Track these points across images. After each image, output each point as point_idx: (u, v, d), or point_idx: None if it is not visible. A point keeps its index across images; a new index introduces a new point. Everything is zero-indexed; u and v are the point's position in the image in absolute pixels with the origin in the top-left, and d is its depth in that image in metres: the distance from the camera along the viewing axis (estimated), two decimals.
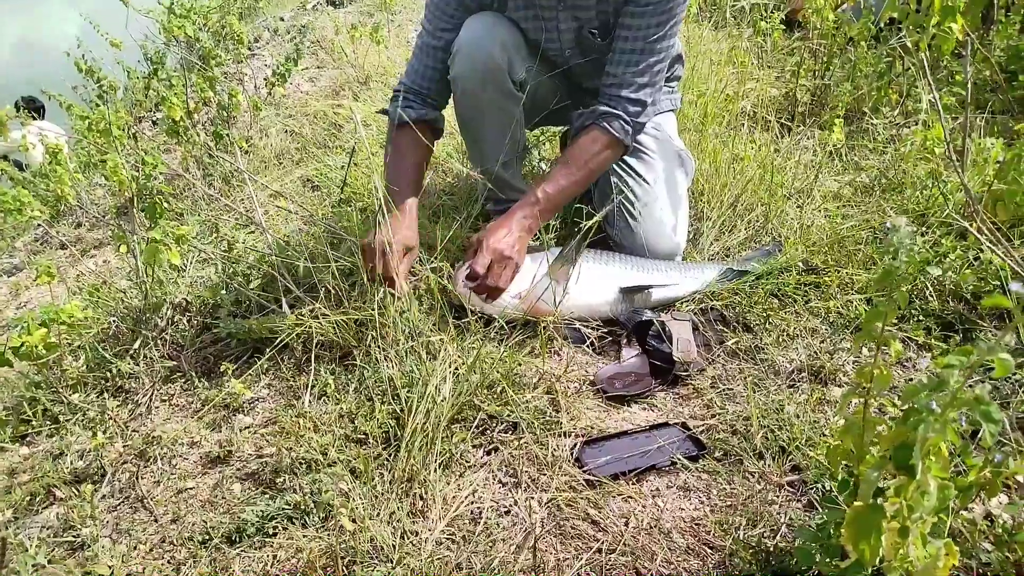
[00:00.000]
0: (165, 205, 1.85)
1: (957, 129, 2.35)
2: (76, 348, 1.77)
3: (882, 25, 2.88)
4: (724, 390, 1.46)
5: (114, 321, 1.76)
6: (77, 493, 1.32)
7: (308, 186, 2.50)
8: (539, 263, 1.64)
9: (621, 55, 1.69)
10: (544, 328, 1.53)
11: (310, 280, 1.71)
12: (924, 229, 1.82)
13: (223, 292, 1.76)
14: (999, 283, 1.54)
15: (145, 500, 1.30)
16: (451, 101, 1.85)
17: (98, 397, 1.59)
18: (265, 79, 3.25)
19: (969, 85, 1.61)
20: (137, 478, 1.34)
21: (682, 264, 1.83)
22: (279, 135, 2.92)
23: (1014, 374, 1.35)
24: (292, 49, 3.04)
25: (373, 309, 1.48)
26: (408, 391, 1.35)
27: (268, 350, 1.55)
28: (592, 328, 1.66)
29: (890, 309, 0.83)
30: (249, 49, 4.13)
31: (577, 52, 1.82)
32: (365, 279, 1.54)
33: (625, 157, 1.88)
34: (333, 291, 1.58)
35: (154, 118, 3.70)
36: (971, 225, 1.59)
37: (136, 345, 1.69)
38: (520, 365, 1.49)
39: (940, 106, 1.55)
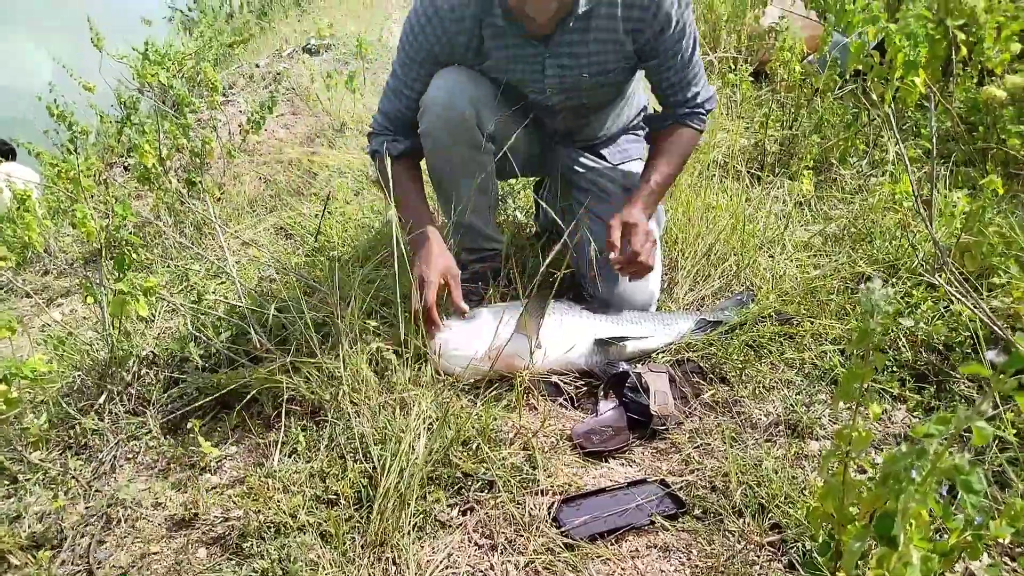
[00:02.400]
0: (134, 255, 1.82)
1: (924, 179, 2.40)
2: (38, 403, 1.72)
3: (848, 76, 2.96)
4: (702, 444, 1.44)
5: (79, 375, 1.72)
6: (33, 559, 1.26)
7: (281, 234, 2.48)
8: (499, 319, 1.61)
9: (673, 79, 1.78)
10: (520, 382, 1.51)
11: (282, 332, 1.69)
12: (895, 280, 1.84)
13: (191, 345, 1.73)
14: (971, 335, 1.55)
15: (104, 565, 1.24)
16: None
17: (60, 455, 1.54)
18: (240, 125, 3.25)
19: (934, 138, 1.65)
20: (98, 544, 1.28)
21: (656, 315, 1.82)
22: (253, 182, 2.90)
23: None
24: (267, 96, 3.04)
25: (345, 360, 1.46)
26: (381, 448, 1.32)
27: (237, 405, 1.52)
28: (568, 382, 1.64)
29: (867, 371, 0.83)
30: (224, 95, 4.13)
31: (562, 94, 1.81)
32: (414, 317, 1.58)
33: (597, 207, 1.89)
34: (304, 343, 1.55)
35: (126, 163, 3.67)
36: (940, 277, 1.61)
37: (101, 400, 1.64)
38: (496, 420, 1.46)
39: (907, 159, 1.58)
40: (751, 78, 3.30)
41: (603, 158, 2.02)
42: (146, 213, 2.80)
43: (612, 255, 1.63)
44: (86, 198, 1.88)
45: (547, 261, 1.47)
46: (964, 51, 2.71)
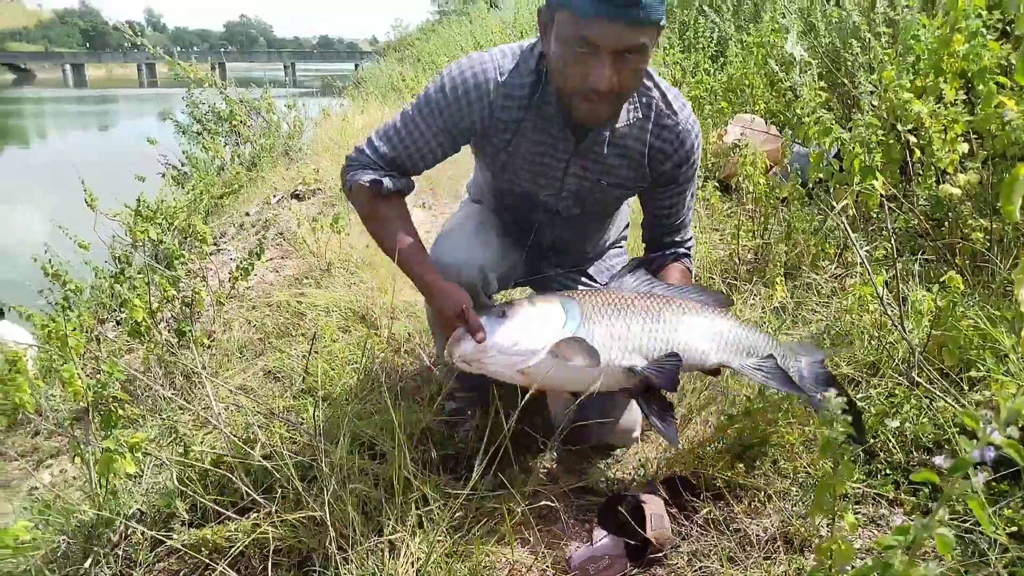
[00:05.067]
0: (120, 413, 1.83)
1: (894, 278, 2.47)
2: (21, 573, 1.67)
3: (811, 184, 3.09)
4: (701, 568, 1.41)
5: (64, 539, 1.68)
6: None
7: (270, 377, 2.49)
8: (547, 326, 1.45)
9: (673, 216, 1.77)
10: (509, 512, 1.48)
11: (268, 479, 1.67)
12: (877, 379, 1.86)
13: (177, 500, 1.70)
14: (958, 431, 1.55)
15: None
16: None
17: None
18: (230, 272, 3.33)
19: (892, 241, 1.71)
20: None
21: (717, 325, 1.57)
22: (242, 327, 2.95)
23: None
24: (256, 244, 3.14)
25: (330, 506, 1.44)
26: None
27: (222, 561, 1.48)
28: (557, 500, 1.61)
29: (838, 482, 0.84)
30: (215, 244, 4.26)
31: (572, 199, 1.73)
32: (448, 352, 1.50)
33: None
34: (291, 491, 1.54)
35: (118, 318, 3.72)
36: (919, 375, 1.63)
37: (87, 564, 1.61)
38: (488, 556, 1.43)
39: (868, 266, 1.64)
40: (720, 191, 3.43)
41: (591, 278, 2.03)
42: (137, 366, 2.82)
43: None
44: (74, 358, 1.91)
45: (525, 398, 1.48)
46: (918, 153, 2.85)
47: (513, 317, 1.47)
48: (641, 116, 1.61)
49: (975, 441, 0.59)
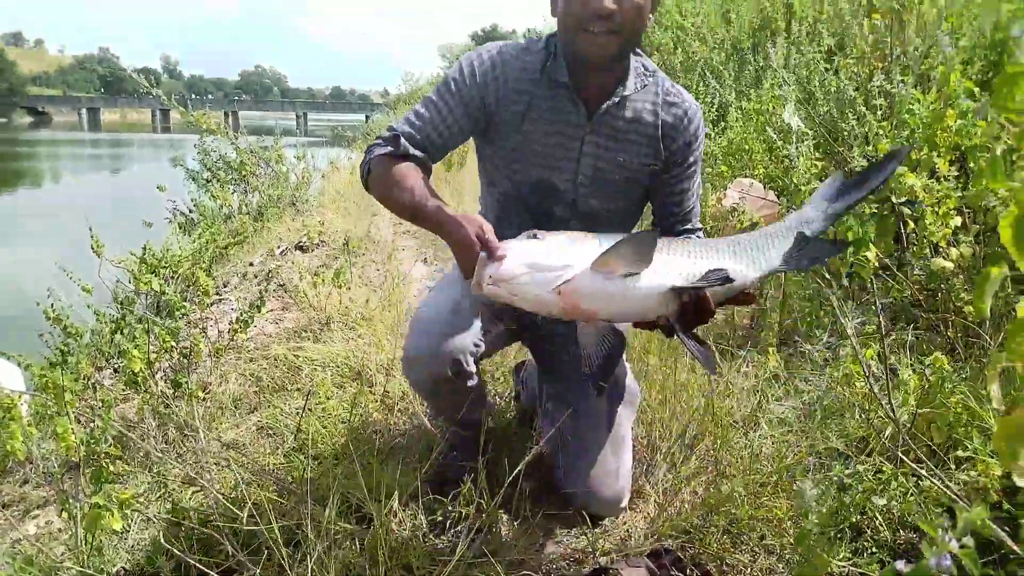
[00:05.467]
0: (111, 468, 1.83)
1: (889, 347, 2.48)
2: None
3: None
4: None
5: None
6: None
7: (263, 433, 2.50)
8: (582, 246, 1.39)
9: (683, 202, 1.81)
10: None
11: (254, 541, 1.67)
12: (866, 455, 1.86)
13: (163, 558, 1.70)
14: (943, 510, 1.55)
15: None
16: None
17: None
18: (230, 323, 3.35)
19: (880, 318, 1.74)
20: None
21: (741, 243, 1.53)
22: (239, 380, 2.96)
23: None
24: (256, 296, 3.18)
25: (315, 571, 1.43)
26: None
27: None
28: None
29: (809, 572, 0.84)
30: (217, 294, 4.30)
31: (590, 187, 1.73)
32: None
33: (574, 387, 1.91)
34: (276, 555, 1.53)
35: (116, 365, 3.74)
36: (906, 453, 1.63)
37: None
38: None
39: (857, 344, 1.66)
40: None
41: None
42: (132, 415, 2.83)
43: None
44: (68, 412, 1.92)
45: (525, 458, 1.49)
46: (911, 224, 2.89)
47: (544, 239, 1.42)
48: (648, 86, 1.70)
49: (934, 548, 0.60)
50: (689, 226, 1.84)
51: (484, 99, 1.67)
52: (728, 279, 1.38)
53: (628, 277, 1.36)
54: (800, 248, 1.51)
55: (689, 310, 1.41)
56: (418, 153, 1.66)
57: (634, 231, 1.61)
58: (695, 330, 1.44)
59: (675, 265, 1.41)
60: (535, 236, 1.42)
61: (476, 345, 1.73)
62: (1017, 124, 0.78)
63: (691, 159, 1.76)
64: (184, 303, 3.06)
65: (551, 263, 1.34)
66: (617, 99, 1.67)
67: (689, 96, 1.75)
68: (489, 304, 1.70)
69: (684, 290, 1.39)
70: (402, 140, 1.64)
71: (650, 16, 1.60)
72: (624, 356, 2.05)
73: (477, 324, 1.74)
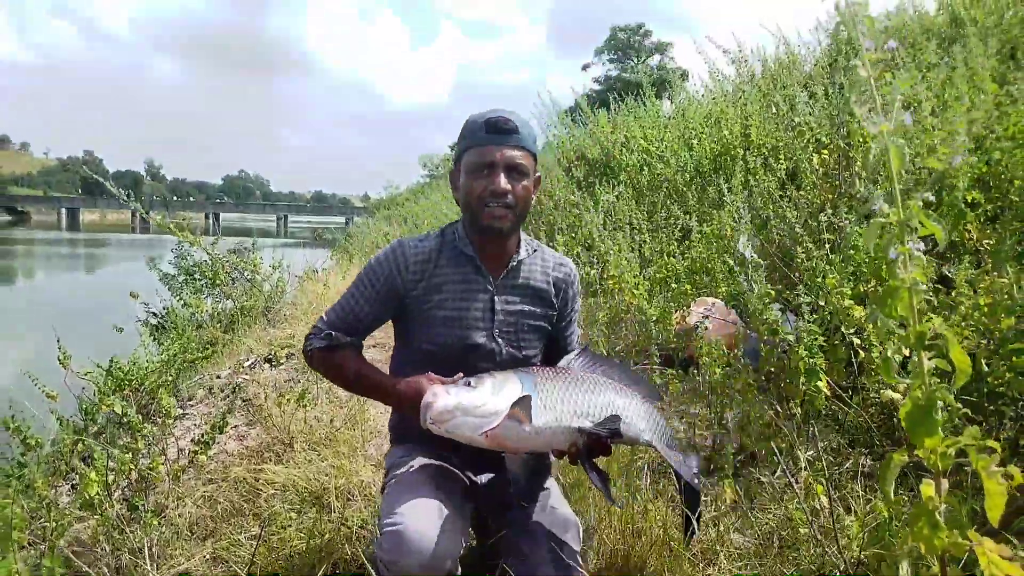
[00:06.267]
0: None
1: (842, 475, 2.52)
2: None
3: (764, 376, 3.20)
4: None
5: None
6: None
7: (217, 562, 2.44)
8: (506, 392, 1.69)
9: (570, 338, 2.19)
10: None
11: None
12: None
13: None
14: None
15: None
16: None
17: None
18: (192, 441, 3.31)
19: (823, 458, 1.78)
20: None
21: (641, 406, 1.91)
22: (196, 502, 2.90)
23: None
24: (219, 416, 3.16)
25: None
26: None
27: None
28: None
29: None
30: (182, 408, 4.26)
31: (505, 337, 1.99)
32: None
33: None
34: None
35: (74, 483, 3.64)
36: None
37: None
38: None
39: (801, 493, 1.70)
40: (683, 368, 3.53)
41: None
42: (86, 537, 2.75)
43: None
44: (15, 551, 1.88)
45: None
46: (863, 354, 2.99)
47: (477, 387, 1.70)
48: (537, 252, 2.09)
49: None
50: (575, 352, 2.07)
51: (392, 285, 1.96)
52: (618, 432, 1.75)
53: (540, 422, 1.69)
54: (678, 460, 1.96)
55: (591, 444, 1.74)
56: (348, 340, 1.97)
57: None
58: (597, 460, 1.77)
59: (580, 408, 1.75)
60: (468, 383, 1.71)
61: (463, 544, 1.76)
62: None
63: (576, 307, 2.18)
64: (144, 424, 3.03)
65: (480, 411, 1.65)
66: (514, 263, 2.01)
67: (569, 260, 2.16)
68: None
69: (585, 431, 1.72)
70: (334, 334, 1.96)
71: (533, 195, 1.98)
72: (560, 492, 2.11)
73: (459, 523, 1.76)
